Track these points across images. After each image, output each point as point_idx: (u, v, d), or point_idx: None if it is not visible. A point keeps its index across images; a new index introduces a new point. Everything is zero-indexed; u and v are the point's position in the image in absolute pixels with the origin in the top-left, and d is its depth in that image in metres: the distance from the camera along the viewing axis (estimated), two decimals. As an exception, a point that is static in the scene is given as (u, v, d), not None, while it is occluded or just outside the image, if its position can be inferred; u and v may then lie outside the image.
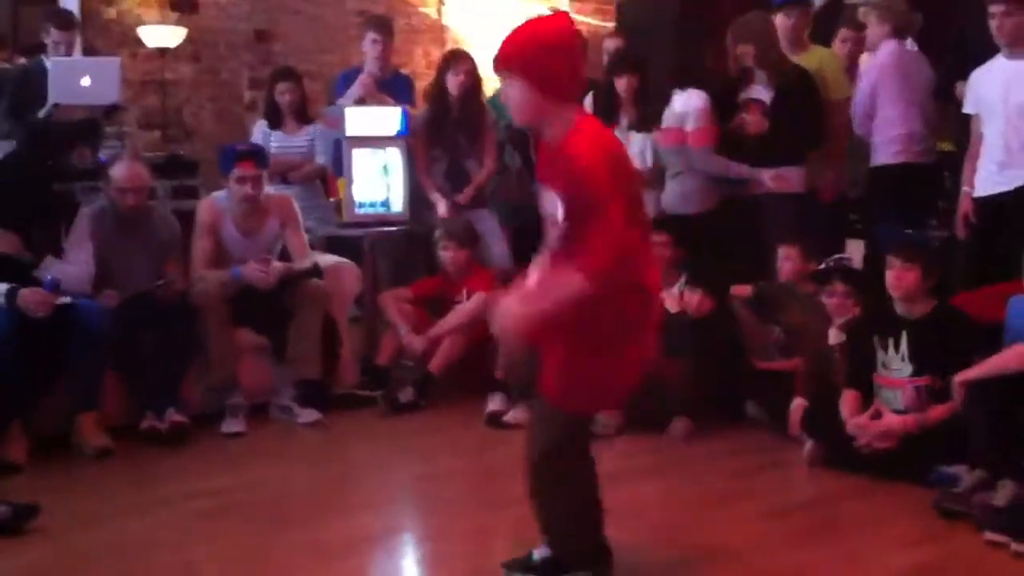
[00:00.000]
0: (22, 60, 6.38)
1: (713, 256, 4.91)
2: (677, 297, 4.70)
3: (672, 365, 4.31)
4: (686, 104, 5.12)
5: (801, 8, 5.35)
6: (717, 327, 4.64)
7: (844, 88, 5.29)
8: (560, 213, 2.64)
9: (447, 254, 5.24)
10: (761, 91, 5.11)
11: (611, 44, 6.30)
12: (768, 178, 5.03)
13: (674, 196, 5.21)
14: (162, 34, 6.60)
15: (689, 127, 5.10)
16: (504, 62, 2.65)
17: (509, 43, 2.65)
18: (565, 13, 2.84)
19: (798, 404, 4.21)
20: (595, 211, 2.51)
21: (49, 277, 4.25)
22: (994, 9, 4.33)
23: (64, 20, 5.48)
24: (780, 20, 5.27)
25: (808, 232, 4.83)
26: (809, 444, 4.04)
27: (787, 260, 4.70)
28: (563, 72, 2.63)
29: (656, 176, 5.25)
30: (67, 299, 4.27)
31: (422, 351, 5.07)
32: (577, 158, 2.55)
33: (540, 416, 2.79)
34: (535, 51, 2.61)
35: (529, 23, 2.71)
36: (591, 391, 2.73)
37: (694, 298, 4.65)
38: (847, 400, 3.96)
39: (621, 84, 5.27)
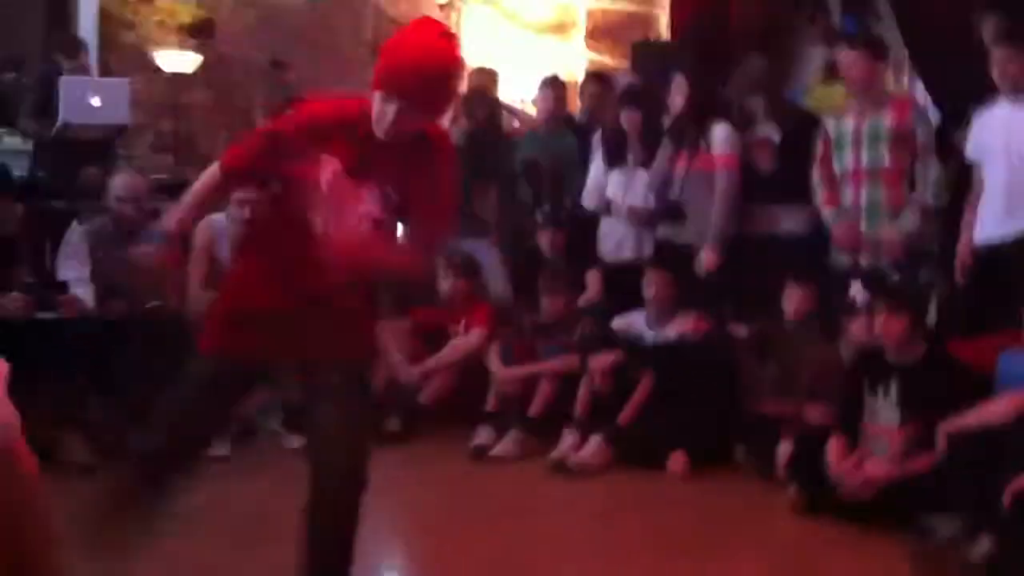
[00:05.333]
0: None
1: (718, 291, 4.90)
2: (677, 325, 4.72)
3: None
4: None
5: None
6: (714, 357, 4.61)
7: None
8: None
9: (446, 283, 5.22)
10: (770, 131, 5.07)
11: (623, 80, 6.28)
12: None
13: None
14: (178, 59, 6.69)
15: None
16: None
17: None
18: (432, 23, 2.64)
19: (785, 448, 4.13)
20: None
21: None
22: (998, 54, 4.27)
23: (70, 47, 5.58)
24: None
25: (815, 273, 4.75)
26: (792, 489, 3.96)
27: (790, 300, 4.62)
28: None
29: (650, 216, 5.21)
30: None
31: (415, 382, 5.05)
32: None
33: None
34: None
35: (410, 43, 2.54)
36: None
37: (688, 321, 4.63)
38: (833, 446, 3.88)
39: (626, 119, 5.26)
